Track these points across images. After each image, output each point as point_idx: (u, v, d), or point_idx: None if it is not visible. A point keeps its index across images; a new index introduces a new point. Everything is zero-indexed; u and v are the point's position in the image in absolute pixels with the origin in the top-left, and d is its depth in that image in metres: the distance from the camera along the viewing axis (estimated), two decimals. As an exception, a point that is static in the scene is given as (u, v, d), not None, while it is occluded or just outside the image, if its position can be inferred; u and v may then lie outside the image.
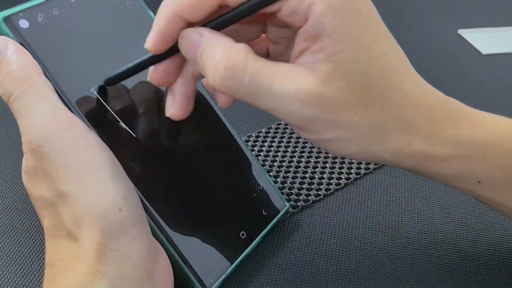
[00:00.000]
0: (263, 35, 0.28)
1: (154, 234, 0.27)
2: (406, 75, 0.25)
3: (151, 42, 0.24)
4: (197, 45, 0.24)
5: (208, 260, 0.29)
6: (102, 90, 0.28)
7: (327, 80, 0.22)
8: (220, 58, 0.23)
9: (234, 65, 0.22)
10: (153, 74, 0.26)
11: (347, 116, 0.23)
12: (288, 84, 0.22)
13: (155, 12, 0.33)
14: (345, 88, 0.22)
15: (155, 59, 0.25)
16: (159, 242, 0.27)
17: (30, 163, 0.25)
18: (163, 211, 0.28)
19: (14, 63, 0.25)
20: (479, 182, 0.27)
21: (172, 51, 0.25)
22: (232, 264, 0.30)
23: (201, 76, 0.27)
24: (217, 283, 0.29)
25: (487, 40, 0.63)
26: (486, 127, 0.26)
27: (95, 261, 0.23)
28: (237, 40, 0.24)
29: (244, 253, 0.31)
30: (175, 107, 0.26)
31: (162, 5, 0.24)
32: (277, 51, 0.28)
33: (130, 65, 0.26)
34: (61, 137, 0.24)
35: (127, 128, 0.29)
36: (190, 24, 0.24)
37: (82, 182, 0.24)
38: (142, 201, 0.27)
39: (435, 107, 0.25)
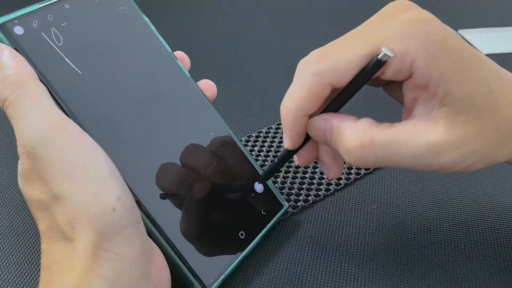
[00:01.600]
0: None
1: (153, 235, 0.27)
2: (504, 88, 0.27)
3: (290, 143, 0.29)
4: (324, 131, 0.27)
5: (207, 260, 0.29)
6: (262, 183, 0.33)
7: (448, 124, 0.25)
8: (349, 141, 0.26)
9: (363, 144, 0.25)
10: (299, 160, 0.30)
11: (474, 146, 0.25)
12: (417, 143, 0.25)
13: (149, 17, 0.33)
14: (464, 123, 0.25)
15: (294, 151, 0.30)
16: (157, 242, 0.27)
17: (25, 166, 0.25)
18: (161, 212, 0.28)
19: (9, 68, 0.25)
20: None
21: (306, 139, 0.29)
22: (231, 264, 0.30)
23: None
24: (216, 283, 0.29)
25: (487, 40, 0.63)
26: None
27: (89, 262, 0.23)
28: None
29: (244, 253, 0.31)
30: (330, 172, 0.31)
31: (283, 110, 0.28)
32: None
33: (277, 162, 0.32)
34: (54, 140, 0.24)
35: (122, 129, 0.29)
36: (312, 115, 0.28)
37: (76, 184, 0.24)
38: (139, 201, 0.27)
39: None
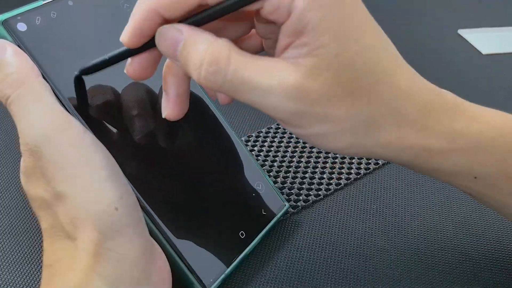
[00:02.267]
0: (253, 30, 0.28)
1: (153, 235, 0.27)
2: (395, 67, 0.24)
3: (127, 36, 0.24)
4: (176, 42, 0.23)
5: (207, 260, 0.29)
6: (78, 80, 0.28)
7: (310, 74, 0.22)
8: (203, 53, 0.22)
9: (217, 60, 0.22)
10: (129, 67, 0.25)
11: (333, 109, 0.23)
12: (270, 78, 0.22)
13: None
14: (329, 81, 0.22)
15: (130, 53, 0.25)
16: (158, 242, 0.27)
17: (28, 163, 0.25)
18: (162, 212, 0.28)
19: (12, 65, 0.25)
20: (475, 177, 0.26)
21: (148, 45, 0.24)
22: (231, 264, 0.30)
23: None
24: (216, 282, 0.29)
25: (487, 40, 0.63)
26: (481, 120, 0.26)
27: (91, 261, 0.23)
28: (226, 36, 0.23)
29: (244, 253, 0.31)
30: (169, 107, 0.26)
31: None
32: (269, 46, 0.28)
33: (106, 57, 0.26)
34: (58, 138, 0.24)
35: (124, 128, 0.29)
36: (167, 21, 0.24)
37: (79, 183, 0.24)
38: (140, 201, 0.27)
39: (428, 100, 0.25)
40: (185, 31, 0.23)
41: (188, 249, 0.28)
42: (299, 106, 0.22)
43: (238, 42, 0.27)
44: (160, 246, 0.27)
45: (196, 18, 0.24)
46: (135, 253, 0.24)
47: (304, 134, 0.24)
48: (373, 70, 0.23)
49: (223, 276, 0.29)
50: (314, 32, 0.22)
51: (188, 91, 0.27)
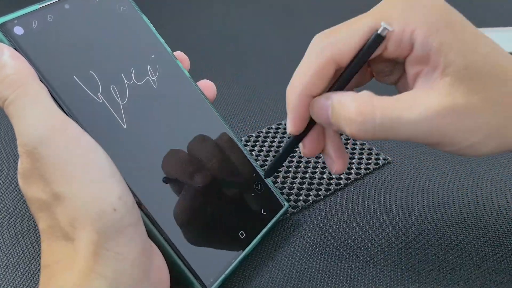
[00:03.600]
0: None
1: (153, 235, 0.27)
2: (509, 64, 0.26)
3: (293, 127, 0.28)
4: (326, 108, 0.27)
5: (207, 260, 0.29)
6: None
7: (449, 92, 0.24)
8: (350, 108, 0.25)
9: (363, 110, 0.25)
10: (305, 150, 0.30)
11: (478, 118, 0.24)
12: (416, 109, 0.24)
13: (149, 17, 0.33)
14: (467, 93, 0.24)
15: (299, 139, 0.29)
16: (157, 242, 0.27)
17: (26, 165, 0.25)
18: (162, 212, 0.28)
19: (9, 67, 0.25)
20: None
21: (310, 125, 0.29)
22: (231, 264, 0.30)
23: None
24: (216, 283, 0.29)
25: (487, 40, 0.63)
26: None
27: (91, 262, 0.23)
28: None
29: (244, 253, 0.31)
30: (335, 165, 0.30)
31: (288, 90, 0.28)
32: (383, 80, 0.30)
33: (281, 153, 0.31)
34: (55, 140, 0.24)
35: (121, 128, 0.29)
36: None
37: (77, 183, 0.24)
38: (140, 201, 0.27)
39: None
40: (331, 96, 0.27)
41: (188, 249, 0.28)
42: (449, 124, 0.24)
43: None
44: (160, 247, 0.27)
45: (338, 85, 0.27)
46: (134, 253, 0.24)
47: (458, 149, 0.26)
48: (497, 72, 0.25)
49: (223, 276, 0.29)
50: (439, 54, 0.24)
51: (341, 144, 0.30)
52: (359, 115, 0.25)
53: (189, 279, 0.28)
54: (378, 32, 0.25)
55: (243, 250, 0.31)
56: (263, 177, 0.32)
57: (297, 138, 0.29)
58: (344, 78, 0.27)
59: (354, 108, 0.25)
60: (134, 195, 0.27)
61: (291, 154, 0.41)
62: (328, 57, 0.26)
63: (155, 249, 0.27)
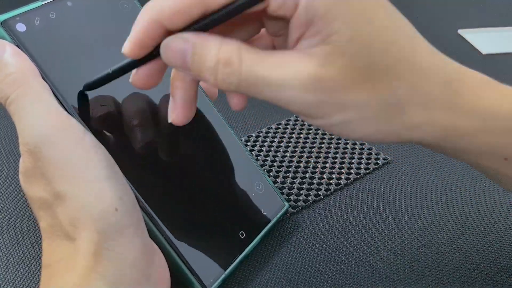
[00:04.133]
0: (263, 29, 0.28)
1: (153, 235, 0.27)
2: (413, 46, 0.23)
3: (129, 48, 0.23)
4: (184, 52, 0.23)
5: (207, 260, 0.29)
6: (82, 95, 0.27)
7: (324, 62, 0.22)
8: (215, 56, 0.22)
9: (230, 60, 0.22)
10: (135, 77, 0.25)
11: (352, 96, 0.22)
12: (285, 71, 0.22)
13: None
14: (345, 67, 0.22)
15: (134, 64, 0.25)
16: (158, 243, 0.27)
17: (27, 164, 0.25)
18: (162, 212, 0.28)
19: (12, 65, 0.25)
20: (506, 159, 0.25)
21: (153, 55, 0.24)
22: (231, 264, 0.30)
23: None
24: (216, 283, 0.29)
25: (487, 40, 0.63)
26: (510, 98, 0.25)
27: (91, 261, 0.23)
28: (236, 38, 0.23)
29: (244, 253, 0.31)
30: (176, 113, 0.26)
31: (143, 10, 0.23)
32: (281, 44, 0.27)
33: (109, 70, 0.26)
34: (57, 138, 0.24)
35: (125, 131, 0.29)
36: (171, 32, 0.23)
37: (79, 183, 0.24)
38: (140, 202, 0.27)
39: (453, 78, 0.24)
40: (192, 38, 0.23)
41: (188, 249, 0.28)
42: (316, 96, 0.22)
43: (249, 44, 0.27)
44: (160, 246, 0.27)
45: (201, 24, 0.23)
46: (135, 253, 0.24)
47: (325, 124, 0.23)
48: (389, 50, 0.22)
49: (223, 276, 0.29)
50: (324, 19, 0.22)
51: (195, 96, 0.26)
52: (225, 65, 0.22)
53: (189, 279, 0.28)
54: None
55: (243, 250, 0.31)
56: (82, 89, 0.28)
57: (132, 63, 0.25)
58: (209, 20, 0.23)
59: (220, 55, 0.22)
60: (136, 195, 0.27)
61: (291, 155, 0.41)
62: None
63: (156, 249, 0.27)
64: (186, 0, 0.22)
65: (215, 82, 0.23)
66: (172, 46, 0.23)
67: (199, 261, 0.28)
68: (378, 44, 0.22)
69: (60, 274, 0.24)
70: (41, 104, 0.25)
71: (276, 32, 0.26)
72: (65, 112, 0.25)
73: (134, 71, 0.25)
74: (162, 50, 0.23)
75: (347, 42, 0.22)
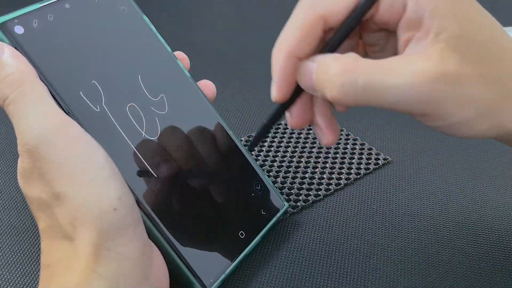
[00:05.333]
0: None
1: (153, 235, 0.27)
2: (507, 38, 0.24)
3: (278, 93, 0.25)
4: (311, 71, 0.24)
5: (207, 260, 0.29)
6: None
7: (442, 58, 0.22)
8: (332, 69, 0.23)
9: (345, 69, 0.23)
10: (291, 121, 0.26)
11: (471, 90, 0.23)
12: (404, 73, 0.22)
13: (149, 17, 0.33)
14: (461, 62, 0.22)
15: (284, 108, 0.26)
16: (157, 242, 0.27)
17: (26, 164, 0.25)
18: (161, 212, 0.28)
19: (10, 66, 0.25)
20: None
21: (297, 92, 0.26)
22: (231, 264, 0.30)
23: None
24: (216, 283, 0.29)
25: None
26: None
27: (91, 261, 0.23)
28: None
29: (244, 253, 0.31)
30: (326, 137, 0.27)
31: (274, 52, 0.25)
32: (376, 53, 0.28)
33: (264, 123, 0.27)
34: (56, 139, 0.24)
35: (122, 130, 0.29)
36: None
37: (77, 183, 0.24)
38: (140, 202, 0.27)
39: None
40: (316, 58, 0.24)
41: (188, 249, 0.28)
42: (441, 92, 0.22)
43: None
44: (160, 247, 0.27)
45: (328, 47, 0.25)
46: (134, 253, 0.24)
47: (446, 124, 0.24)
48: (493, 46, 0.24)
49: (223, 276, 0.29)
50: (433, 19, 0.23)
51: (332, 114, 0.27)
52: (339, 76, 0.23)
53: (189, 279, 0.28)
54: None
55: (243, 250, 0.31)
56: (247, 149, 0.29)
57: (283, 106, 0.26)
58: (334, 39, 0.25)
59: (335, 68, 0.23)
60: (134, 194, 0.27)
61: (291, 155, 0.41)
62: (317, 14, 0.24)
63: (155, 249, 0.27)
64: (307, 22, 0.24)
65: (336, 94, 0.23)
66: (303, 68, 0.25)
67: (199, 261, 0.28)
68: (483, 41, 0.23)
69: (59, 274, 0.24)
70: (40, 105, 0.25)
71: (374, 42, 0.27)
72: (64, 113, 0.25)
73: (288, 116, 0.27)
74: (297, 75, 0.25)
75: (457, 38, 0.22)
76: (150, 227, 0.27)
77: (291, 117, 0.26)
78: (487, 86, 0.23)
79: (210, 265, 0.29)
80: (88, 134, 0.25)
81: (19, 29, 0.27)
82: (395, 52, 0.27)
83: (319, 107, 0.27)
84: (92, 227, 0.23)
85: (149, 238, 0.26)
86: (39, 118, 0.24)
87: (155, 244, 0.27)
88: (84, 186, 0.24)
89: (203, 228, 0.30)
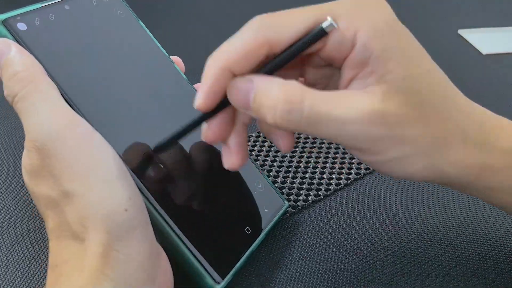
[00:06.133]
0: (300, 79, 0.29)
1: (165, 233, 0.27)
2: (454, 90, 0.25)
3: (202, 101, 0.25)
4: (248, 91, 0.24)
5: (218, 256, 0.29)
6: (149, 156, 0.29)
7: (384, 99, 0.23)
8: (277, 94, 0.23)
9: (292, 98, 0.23)
10: (207, 132, 0.26)
11: (409, 130, 0.23)
12: (348, 108, 0.23)
13: (144, 22, 0.34)
14: (402, 103, 0.23)
15: (204, 118, 0.26)
16: (169, 241, 0.27)
17: (34, 161, 0.25)
18: (174, 211, 0.28)
19: (19, 64, 0.25)
20: None
21: (222, 105, 0.25)
22: (240, 259, 0.30)
23: (251, 122, 0.27)
24: (227, 277, 0.29)
25: (487, 40, 0.63)
26: None
27: (100, 263, 0.23)
28: None
29: (251, 248, 0.31)
30: (232, 159, 0.27)
31: (210, 61, 0.25)
32: None
33: (180, 128, 0.27)
34: (66, 136, 0.24)
35: (124, 128, 0.29)
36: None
37: (88, 182, 0.24)
38: (151, 203, 0.27)
39: (485, 119, 0.26)
40: (256, 79, 0.24)
41: (200, 246, 0.28)
42: (379, 130, 0.23)
43: None
44: (171, 245, 0.27)
45: (266, 69, 0.24)
46: (142, 255, 0.24)
47: (381, 160, 0.25)
48: (437, 90, 0.24)
49: (233, 270, 0.29)
50: (379, 60, 0.23)
51: (246, 140, 0.28)
52: (286, 103, 0.23)
53: (201, 274, 0.28)
54: (323, 26, 0.23)
55: (250, 246, 0.31)
56: (152, 150, 0.29)
57: (204, 117, 0.26)
58: (273, 64, 0.24)
59: (281, 94, 0.23)
60: (146, 194, 0.27)
61: (291, 155, 0.41)
62: (263, 38, 0.24)
63: (161, 251, 0.26)
64: (252, 43, 0.24)
65: (274, 119, 0.23)
66: (238, 86, 0.24)
67: (210, 258, 0.29)
68: (427, 84, 0.24)
69: (67, 274, 0.24)
70: (50, 102, 0.25)
71: (316, 80, 0.27)
72: (73, 111, 0.25)
73: (205, 127, 0.26)
74: (228, 90, 0.24)
75: (401, 81, 0.23)
76: (163, 225, 0.27)
77: (208, 129, 0.26)
78: (426, 128, 0.24)
79: (220, 261, 0.29)
80: (98, 133, 0.25)
81: (22, 26, 0.27)
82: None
83: (239, 128, 0.27)
84: (102, 227, 0.23)
85: (160, 238, 0.26)
86: (49, 115, 0.24)
87: (165, 243, 0.27)
88: (94, 186, 0.23)
89: (213, 225, 0.30)
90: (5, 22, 0.27)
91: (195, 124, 0.26)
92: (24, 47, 0.26)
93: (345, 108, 0.23)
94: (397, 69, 0.23)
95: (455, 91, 0.26)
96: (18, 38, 0.27)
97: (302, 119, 0.23)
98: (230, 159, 0.27)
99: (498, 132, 0.26)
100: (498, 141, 0.26)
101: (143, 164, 0.28)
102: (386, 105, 0.23)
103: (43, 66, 0.26)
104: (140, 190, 0.26)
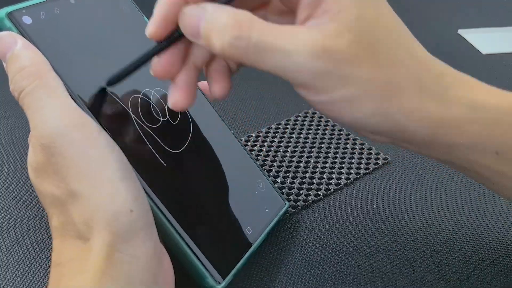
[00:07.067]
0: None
1: (168, 234, 0.27)
2: (412, 39, 0.25)
3: (154, 28, 0.24)
4: (199, 18, 0.23)
5: (220, 256, 0.29)
6: (104, 91, 0.28)
7: (333, 35, 0.22)
8: (226, 21, 0.22)
9: (241, 24, 0.22)
10: (156, 65, 0.25)
11: (357, 70, 0.23)
12: (295, 40, 0.22)
13: (148, 17, 0.34)
14: (352, 42, 0.22)
15: (156, 51, 0.25)
16: (171, 241, 0.27)
17: (40, 158, 0.24)
18: (177, 211, 0.28)
19: (26, 58, 0.25)
20: (497, 153, 0.25)
21: (174, 38, 0.25)
22: (241, 259, 0.30)
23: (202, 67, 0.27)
24: (228, 276, 0.29)
25: (487, 40, 0.63)
26: (498, 94, 0.26)
27: (104, 264, 0.23)
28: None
29: (252, 248, 0.31)
30: (176, 96, 0.26)
31: None
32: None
33: (132, 61, 0.26)
34: (73, 135, 0.24)
35: (130, 125, 0.29)
36: None
37: (94, 182, 0.23)
38: (155, 202, 0.27)
39: (444, 71, 0.25)
40: (208, 6, 0.23)
41: (203, 246, 0.28)
42: (324, 65, 0.22)
43: None
44: (173, 245, 0.27)
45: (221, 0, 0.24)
46: (146, 256, 0.24)
47: (327, 100, 0.23)
48: (392, 35, 0.24)
49: (234, 270, 0.29)
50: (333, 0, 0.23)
51: (196, 83, 0.27)
52: (235, 28, 0.22)
53: (203, 274, 0.28)
54: None
55: (251, 245, 0.31)
56: (106, 84, 0.28)
57: (155, 49, 0.25)
58: None
59: (231, 20, 0.22)
60: (150, 194, 0.27)
61: (291, 155, 0.41)
62: None
63: (164, 251, 0.26)
64: None
65: (222, 46, 0.23)
66: (189, 12, 0.24)
67: (212, 257, 0.29)
68: (381, 27, 0.23)
69: (70, 275, 0.24)
70: (57, 99, 0.25)
71: (278, 14, 0.27)
72: (80, 109, 0.25)
73: (154, 60, 0.25)
74: (180, 17, 0.24)
75: (354, 20, 0.23)
76: (166, 226, 0.27)
77: (158, 63, 0.25)
78: (376, 70, 0.23)
79: (221, 261, 0.29)
80: (105, 133, 0.25)
81: (27, 19, 0.27)
82: None
83: (189, 67, 0.26)
84: (107, 228, 0.23)
85: (161, 237, 0.26)
86: (56, 113, 0.24)
87: (168, 243, 0.27)
88: (100, 185, 0.23)
89: (214, 225, 0.30)
90: (10, 15, 0.26)
91: (147, 56, 0.26)
92: (29, 41, 0.26)
93: (292, 39, 0.22)
94: (351, 9, 0.23)
95: (413, 40, 0.25)
96: (23, 31, 0.26)
97: (249, 47, 0.22)
98: (174, 97, 0.26)
99: (459, 85, 0.25)
100: (459, 94, 0.24)
101: (98, 100, 0.27)
102: (335, 42, 0.22)
103: (48, 60, 0.26)
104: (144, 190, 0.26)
